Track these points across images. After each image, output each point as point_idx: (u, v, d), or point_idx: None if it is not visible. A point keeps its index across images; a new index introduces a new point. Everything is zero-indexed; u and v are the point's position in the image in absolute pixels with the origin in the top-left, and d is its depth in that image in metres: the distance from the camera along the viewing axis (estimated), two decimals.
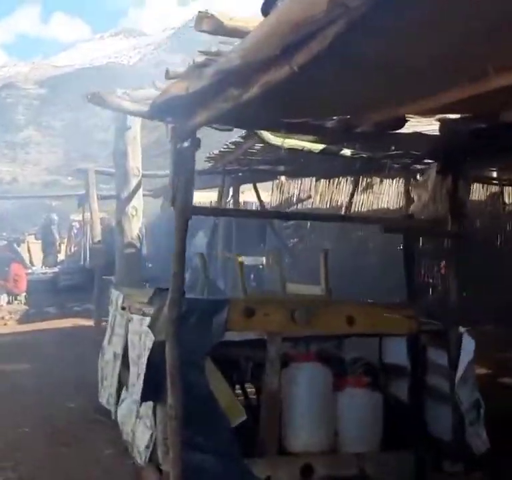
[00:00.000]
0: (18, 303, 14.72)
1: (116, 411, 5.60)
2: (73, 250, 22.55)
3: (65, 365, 8.00)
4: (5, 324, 12.01)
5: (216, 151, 8.91)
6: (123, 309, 5.84)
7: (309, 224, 11.03)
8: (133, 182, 6.72)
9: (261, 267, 12.21)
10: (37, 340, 9.93)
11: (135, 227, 6.73)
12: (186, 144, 3.81)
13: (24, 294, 14.97)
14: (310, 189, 11.70)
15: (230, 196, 11.41)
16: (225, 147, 8.76)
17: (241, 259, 4.76)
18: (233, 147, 8.52)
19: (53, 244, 20.09)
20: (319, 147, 5.14)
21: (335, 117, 4.02)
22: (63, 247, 20.97)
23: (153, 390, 4.19)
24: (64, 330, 10.86)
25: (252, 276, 12.12)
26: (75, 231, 22.79)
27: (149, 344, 4.35)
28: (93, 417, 5.79)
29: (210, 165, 9.56)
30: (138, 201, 6.77)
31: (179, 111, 3.58)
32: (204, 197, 19.70)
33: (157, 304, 4.37)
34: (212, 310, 4.11)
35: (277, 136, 5.06)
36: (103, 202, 20.07)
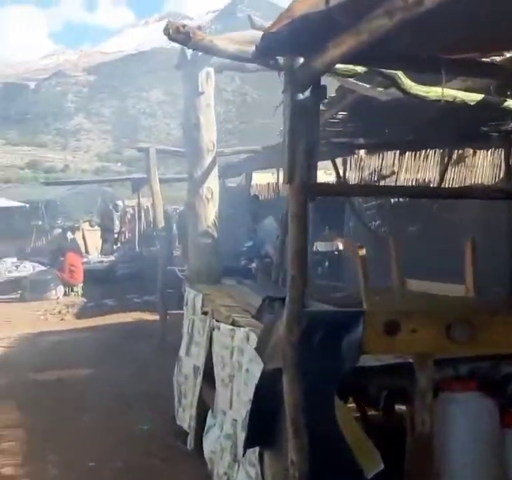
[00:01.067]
0: (74, 295, 14.04)
1: (197, 437, 4.61)
2: (126, 236, 21.94)
3: (132, 370, 7.09)
4: (62, 319, 11.26)
5: None
6: (205, 313, 4.82)
7: (391, 203, 9.81)
8: (208, 159, 5.63)
9: (335, 253, 11.09)
10: (97, 338, 9.08)
11: (210, 212, 5.66)
12: (307, 94, 2.72)
13: (80, 285, 14.26)
14: (393, 164, 10.49)
15: None
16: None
17: (362, 251, 3.62)
18: None
19: (112, 231, 19.37)
20: (475, 97, 4.02)
21: None
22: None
23: (261, 433, 3.16)
24: (126, 326, 9.98)
25: (326, 264, 11.02)
26: (129, 217, 22.15)
27: (254, 371, 3.31)
28: (173, 445, 4.80)
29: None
30: (213, 182, 5.70)
31: (304, 42, 2.48)
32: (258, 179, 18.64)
33: (267, 319, 3.31)
34: (342, 325, 3.01)
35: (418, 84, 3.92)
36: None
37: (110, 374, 6.99)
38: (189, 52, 5.67)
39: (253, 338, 3.65)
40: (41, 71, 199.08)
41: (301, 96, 2.86)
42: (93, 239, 18.85)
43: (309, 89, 2.76)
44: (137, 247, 19.68)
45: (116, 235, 19.62)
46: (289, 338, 2.95)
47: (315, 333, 3.00)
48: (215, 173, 5.73)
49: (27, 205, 17.49)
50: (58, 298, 13.47)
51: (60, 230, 17.69)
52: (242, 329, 3.95)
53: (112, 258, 16.83)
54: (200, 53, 5.71)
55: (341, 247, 11.08)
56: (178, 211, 25.67)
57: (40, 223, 17.55)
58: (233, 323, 4.21)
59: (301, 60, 2.82)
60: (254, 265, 10.38)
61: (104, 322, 10.45)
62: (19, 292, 13.74)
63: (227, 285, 5.71)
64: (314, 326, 3.01)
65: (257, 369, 3.47)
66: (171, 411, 5.34)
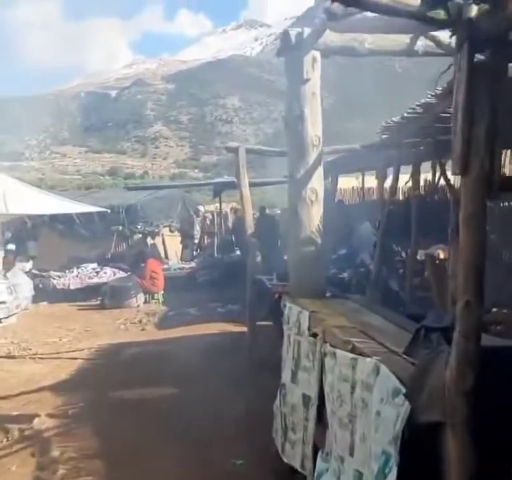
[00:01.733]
0: (155, 303, 13.57)
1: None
2: (206, 242, 21.49)
3: (222, 391, 6.40)
4: (143, 329, 10.73)
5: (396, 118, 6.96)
6: (314, 336, 4.06)
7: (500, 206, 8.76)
8: (312, 155, 4.89)
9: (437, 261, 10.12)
10: (181, 352, 8.47)
11: (314, 217, 4.92)
12: (487, 56, 1.96)
13: (161, 292, 13.80)
14: None
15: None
16: (410, 111, 6.80)
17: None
18: (421, 110, 6.56)
19: (192, 237, 18.95)
20: None
21: None
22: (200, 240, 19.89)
23: None
24: (210, 338, 9.35)
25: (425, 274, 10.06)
26: (208, 223, 21.71)
27: (390, 416, 2.55)
28: None
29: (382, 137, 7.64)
30: (318, 182, 4.95)
31: None
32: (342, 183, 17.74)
33: (423, 356, 2.53)
34: None
35: None
36: (233, 190, 18.70)
37: (197, 395, 6.32)
38: (293, 34, 4.95)
39: (385, 373, 2.87)
40: (122, 80, 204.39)
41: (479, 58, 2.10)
42: (173, 244, 18.42)
43: (492, 48, 1.99)
44: (215, 253, 19.21)
45: (196, 241, 19.18)
46: (459, 385, 2.17)
47: (496, 379, 2.21)
48: (320, 171, 4.99)
49: (109, 210, 17.19)
50: (138, 306, 13.04)
51: (141, 235, 17.33)
52: (368, 359, 3.18)
53: (192, 264, 16.30)
54: (305, 35, 5.01)
55: (441, 255, 10.11)
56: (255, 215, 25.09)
57: (120, 228, 17.20)
58: (353, 350, 3.45)
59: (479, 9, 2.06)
60: (346, 274, 9.58)
61: (187, 333, 9.85)
62: (99, 299, 13.41)
63: (334, 301, 4.93)
64: (496, 370, 2.21)
65: (393, 414, 2.69)
66: (270, 445, 4.60)
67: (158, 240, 18.20)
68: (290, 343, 4.63)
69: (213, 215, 21.37)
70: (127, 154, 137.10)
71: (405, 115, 7.01)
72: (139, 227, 17.46)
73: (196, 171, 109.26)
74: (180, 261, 17.10)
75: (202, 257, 17.94)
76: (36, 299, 13.75)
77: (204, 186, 23.03)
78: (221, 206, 16.55)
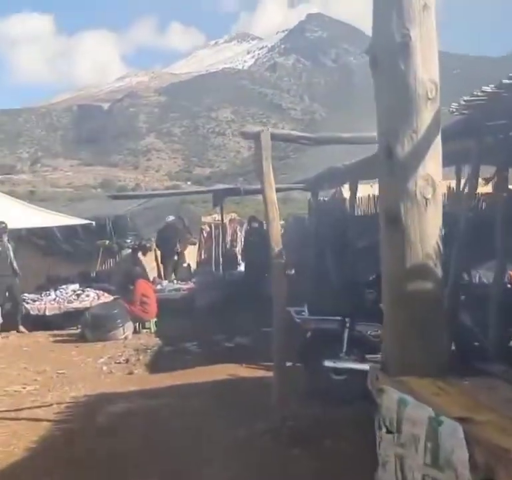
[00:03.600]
0: (146, 333, 11.31)
1: None
2: (202, 257, 19.20)
3: None
4: (131, 372, 8.32)
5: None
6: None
7: None
8: (425, 115, 2.75)
9: (509, 286, 7.92)
10: (181, 412, 6.25)
11: (431, 226, 2.74)
12: None
13: (153, 320, 11.53)
14: None
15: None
16: (489, 87, 4.68)
17: None
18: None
19: (174, 253, 16.06)
20: None
21: None
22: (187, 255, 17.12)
23: None
24: (218, 389, 7.10)
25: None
26: (205, 235, 19.44)
27: None
28: None
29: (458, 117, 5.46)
30: (436, 166, 2.79)
31: None
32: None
33: None
34: None
35: None
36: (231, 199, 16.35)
37: None
38: None
39: None
40: (114, 93, 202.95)
41: None
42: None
43: None
44: (214, 270, 16.94)
45: (176, 258, 16.22)
46: None
47: None
48: (439, 148, 2.82)
49: (93, 223, 14.91)
50: (126, 338, 10.66)
51: (130, 250, 15.01)
52: None
53: (191, 284, 13.99)
54: None
55: None
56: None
57: (107, 242, 14.92)
58: None
59: None
60: None
61: (187, 380, 7.56)
62: (79, 327, 11.10)
63: (476, 383, 2.72)
64: None
65: None
66: None
67: (150, 256, 15.91)
68: (397, 466, 2.42)
69: (210, 227, 19.04)
70: (119, 166, 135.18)
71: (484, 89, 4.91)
72: (129, 240, 15.19)
73: (189, 183, 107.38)
74: (176, 281, 14.80)
75: (199, 275, 15.59)
76: (5, 327, 11.51)
77: (201, 194, 20.70)
78: (222, 216, 14.30)
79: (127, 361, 8.96)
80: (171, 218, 16.17)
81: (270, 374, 6.75)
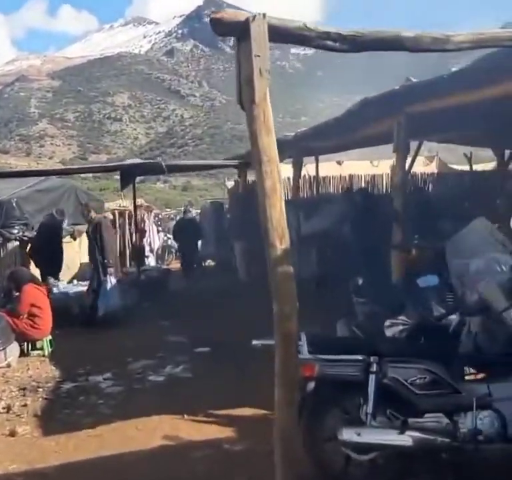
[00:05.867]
0: (38, 356, 8.62)
1: None
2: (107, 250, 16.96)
3: None
4: (13, 433, 5.67)
5: None
6: None
7: None
8: None
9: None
10: None
11: None
12: None
13: (48, 338, 8.89)
14: None
15: None
16: None
17: None
18: None
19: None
20: None
21: None
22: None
23: None
24: (155, 463, 5.02)
25: None
26: (108, 225, 17.16)
27: None
28: None
29: None
30: None
31: None
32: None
33: None
34: None
35: None
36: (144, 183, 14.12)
37: None
38: None
39: None
40: (4, 77, 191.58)
41: None
42: (71, 254, 13.47)
43: None
44: (127, 265, 14.86)
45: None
46: None
47: None
48: None
49: None
50: (8, 366, 8.01)
51: (17, 243, 12.47)
52: None
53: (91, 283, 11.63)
54: None
55: None
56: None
57: None
58: None
59: None
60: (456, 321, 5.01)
61: (96, 451, 5.17)
62: None
63: None
64: None
65: None
66: None
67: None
68: None
69: (114, 215, 16.43)
70: (10, 153, 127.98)
71: None
72: (15, 231, 12.61)
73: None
74: (76, 281, 12.52)
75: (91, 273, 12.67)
76: None
77: (108, 172, 18.22)
78: (134, 201, 12.05)
79: (8, 410, 6.37)
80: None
81: (227, 430, 5.10)
